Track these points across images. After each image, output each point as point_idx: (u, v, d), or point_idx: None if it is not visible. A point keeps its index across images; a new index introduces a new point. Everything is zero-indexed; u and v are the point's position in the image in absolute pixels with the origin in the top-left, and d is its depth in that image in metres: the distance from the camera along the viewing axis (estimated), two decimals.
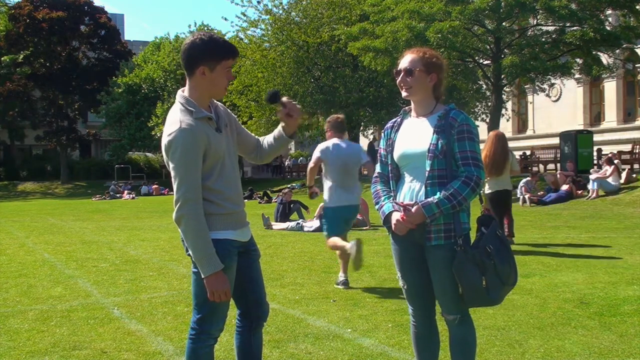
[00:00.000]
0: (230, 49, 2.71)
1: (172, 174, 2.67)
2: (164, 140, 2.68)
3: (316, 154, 6.22)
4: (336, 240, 6.08)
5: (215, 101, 2.86)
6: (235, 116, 3.03)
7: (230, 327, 3.18)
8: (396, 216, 2.90)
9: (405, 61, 3.00)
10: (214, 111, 2.81)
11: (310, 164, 6.35)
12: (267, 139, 3.04)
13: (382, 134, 3.17)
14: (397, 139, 3.04)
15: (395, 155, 3.02)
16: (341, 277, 6.29)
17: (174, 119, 2.68)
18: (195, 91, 2.74)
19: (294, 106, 2.87)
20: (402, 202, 2.92)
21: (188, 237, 2.67)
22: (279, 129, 2.97)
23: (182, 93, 2.77)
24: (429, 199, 2.83)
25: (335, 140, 6.22)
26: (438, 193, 2.83)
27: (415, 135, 2.97)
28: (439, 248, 2.88)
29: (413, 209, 2.84)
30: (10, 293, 6.40)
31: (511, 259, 2.92)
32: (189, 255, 2.76)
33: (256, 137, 3.07)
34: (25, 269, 7.91)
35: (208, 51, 2.67)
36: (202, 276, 2.69)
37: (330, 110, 28.46)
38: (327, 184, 6.21)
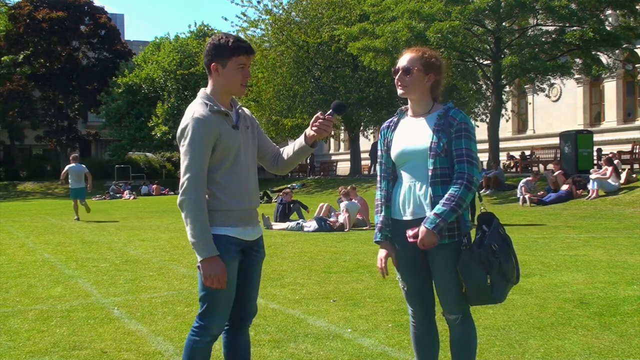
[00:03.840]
0: (238, 46, 2.81)
1: (181, 159, 2.79)
2: (178, 129, 2.82)
3: (66, 169, 15.92)
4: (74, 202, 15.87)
5: (239, 104, 2.98)
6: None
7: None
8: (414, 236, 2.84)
9: (403, 60, 2.99)
10: (235, 111, 2.93)
11: (62, 173, 16.24)
12: (287, 150, 3.10)
13: (379, 135, 3.15)
14: (395, 138, 3.02)
15: (393, 154, 3.00)
16: (75, 217, 15.81)
17: (190, 111, 2.83)
18: (212, 88, 2.89)
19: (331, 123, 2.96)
20: (409, 234, 2.86)
21: (187, 220, 2.74)
22: (300, 139, 3.02)
23: (203, 89, 2.92)
24: (427, 214, 2.82)
25: (73, 163, 15.89)
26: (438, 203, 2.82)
27: (413, 133, 2.96)
28: (443, 247, 2.87)
29: (420, 234, 2.79)
30: (10, 293, 6.39)
31: (513, 256, 2.92)
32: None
33: (277, 147, 3.15)
34: (25, 269, 7.91)
35: (218, 49, 2.81)
36: (198, 261, 2.74)
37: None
38: (70, 179, 15.91)
